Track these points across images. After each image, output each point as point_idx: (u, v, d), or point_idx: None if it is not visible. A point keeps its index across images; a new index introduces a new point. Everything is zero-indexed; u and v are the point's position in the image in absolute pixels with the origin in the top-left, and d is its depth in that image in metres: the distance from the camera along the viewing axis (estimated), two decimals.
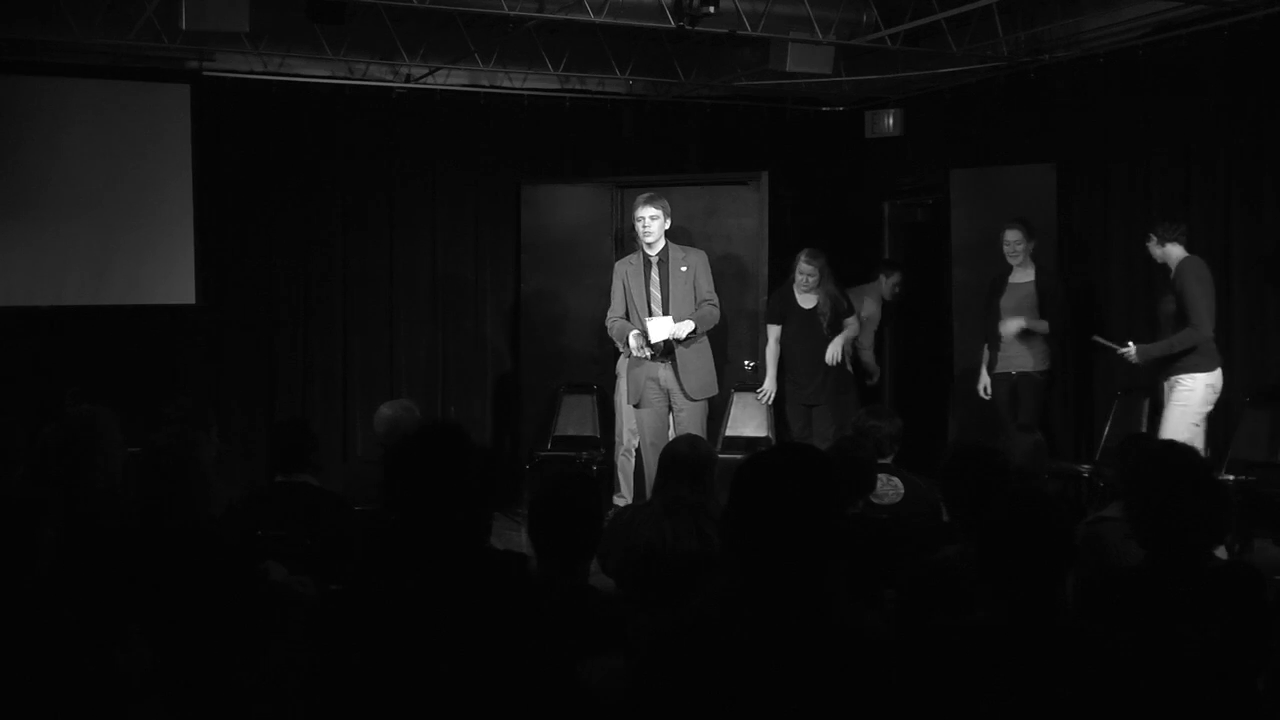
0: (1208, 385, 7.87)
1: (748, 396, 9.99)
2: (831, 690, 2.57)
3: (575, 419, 10.49)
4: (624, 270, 8.66)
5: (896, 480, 5.77)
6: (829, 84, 10.29)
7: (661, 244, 8.53)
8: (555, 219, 10.71)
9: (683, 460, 5.23)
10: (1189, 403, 7.86)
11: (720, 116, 11.33)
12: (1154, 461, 3.69)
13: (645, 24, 8.55)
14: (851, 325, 9.63)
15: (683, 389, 8.41)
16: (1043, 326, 8.87)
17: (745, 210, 10.28)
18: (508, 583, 2.90)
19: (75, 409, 5.37)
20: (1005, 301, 9.03)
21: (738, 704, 2.57)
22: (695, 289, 8.49)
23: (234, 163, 10.10)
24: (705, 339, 8.58)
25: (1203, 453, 7.30)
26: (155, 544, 3.35)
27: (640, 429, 8.67)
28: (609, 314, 8.70)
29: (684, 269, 8.49)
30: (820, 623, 2.63)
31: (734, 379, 10.02)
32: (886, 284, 10.78)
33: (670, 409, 8.49)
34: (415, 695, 2.78)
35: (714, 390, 8.71)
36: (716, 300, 8.58)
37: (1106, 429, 9.06)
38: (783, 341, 9.43)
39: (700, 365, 8.50)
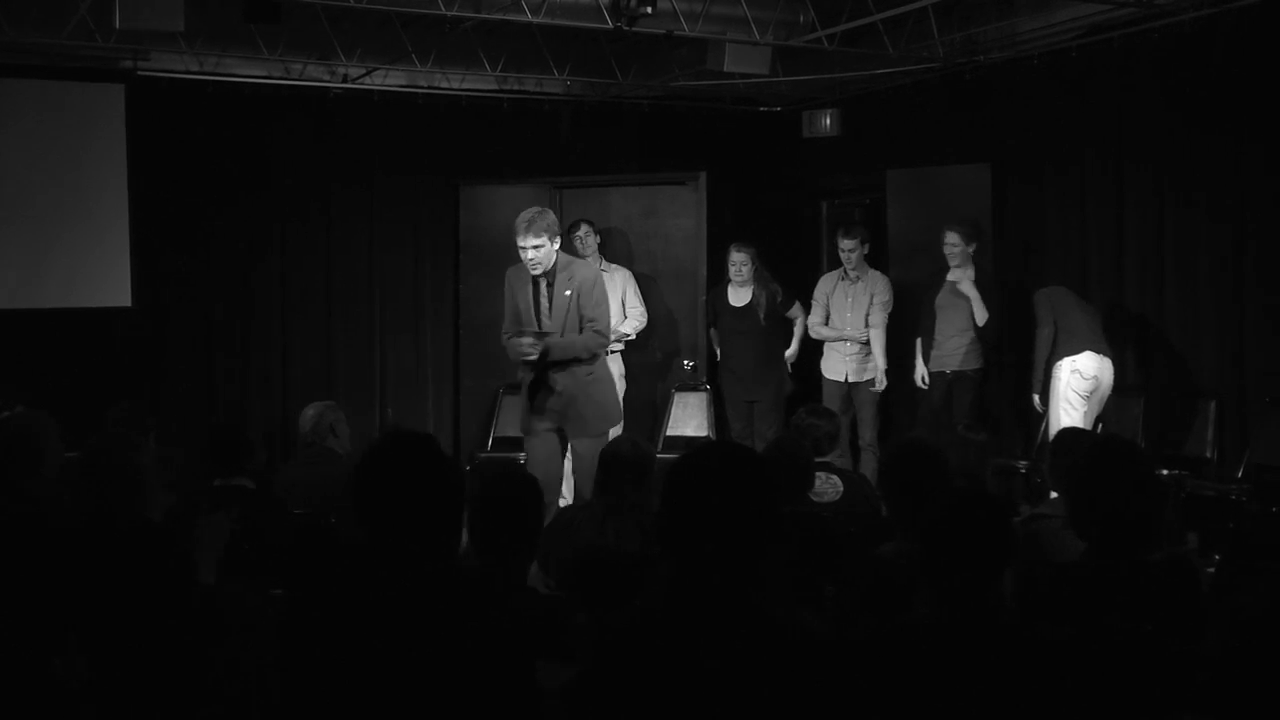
0: (1072, 371, 8.24)
1: (688, 396, 10.04)
2: (771, 689, 2.57)
3: (515, 420, 9.81)
4: (511, 279, 7.58)
5: (836, 478, 5.78)
6: (766, 84, 10.31)
7: (551, 263, 7.34)
8: (494, 220, 10.64)
9: (625, 461, 5.26)
10: (1056, 389, 8.29)
11: (658, 117, 11.30)
12: (1094, 457, 3.72)
13: (583, 24, 8.51)
14: (802, 321, 9.65)
15: (574, 424, 7.43)
16: (979, 309, 8.94)
17: (683, 210, 10.39)
18: (475, 603, 2.87)
19: (12, 413, 5.30)
20: (941, 300, 9.12)
21: (678, 705, 2.57)
22: (579, 311, 7.35)
23: (170, 164, 9.97)
24: (602, 367, 7.65)
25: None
26: (94, 550, 3.35)
27: (529, 456, 7.65)
28: (504, 327, 7.64)
29: (567, 292, 7.35)
30: (758, 622, 2.63)
31: (674, 379, 10.04)
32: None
33: (563, 442, 7.54)
34: (370, 712, 2.76)
35: (616, 420, 7.76)
36: (602, 325, 7.42)
37: (1042, 428, 8.96)
38: (720, 338, 9.32)
39: (592, 396, 7.46)
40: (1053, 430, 7.99)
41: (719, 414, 9.91)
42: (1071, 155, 9.49)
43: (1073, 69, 9.20)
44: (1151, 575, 3.50)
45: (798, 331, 9.77)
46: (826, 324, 9.72)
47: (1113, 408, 8.76)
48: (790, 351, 9.69)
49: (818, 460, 5.80)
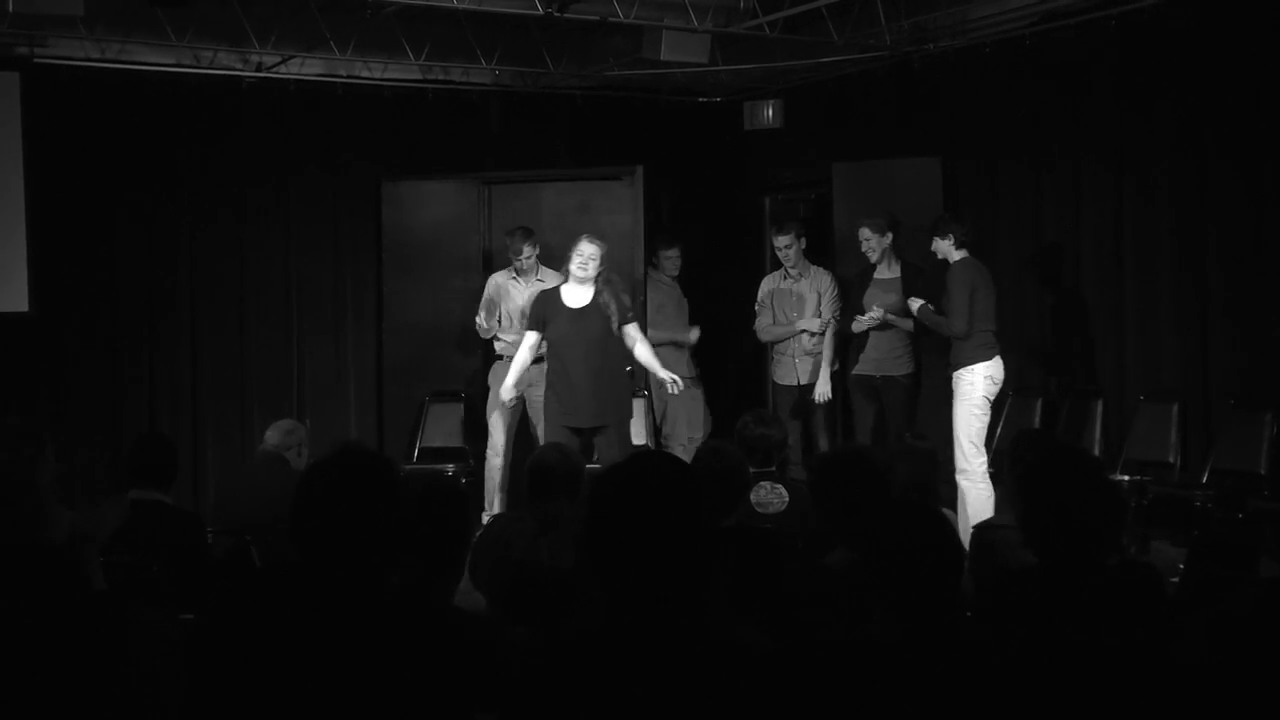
0: (986, 376, 8.35)
1: None
2: (712, 711, 2.56)
3: (443, 429, 10.54)
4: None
5: (781, 488, 5.82)
6: (705, 74, 10.31)
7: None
8: (418, 217, 10.71)
9: (556, 472, 5.27)
10: (971, 395, 8.34)
11: (592, 108, 11.28)
12: (1046, 465, 3.74)
13: (511, 10, 8.53)
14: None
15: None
16: (906, 324, 8.98)
17: (620, 207, 10.36)
18: (400, 629, 2.87)
19: None
20: (867, 299, 9.15)
21: None
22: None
23: (70, 158, 9.85)
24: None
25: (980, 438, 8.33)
26: None
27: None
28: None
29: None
30: (696, 640, 2.62)
31: None
32: (666, 259, 10.56)
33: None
34: None
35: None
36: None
37: (999, 431, 9.13)
38: (549, 348, 8.44)
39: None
40: (962, 437, 8.28)
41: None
42: (1026, 148, 9.58)
43: (1027, 58, 9.29)
44: (1110, 581, 3.52)
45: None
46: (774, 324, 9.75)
47: (1070, 410, 8.88)
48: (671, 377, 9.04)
49: (763, 470, 5.85)
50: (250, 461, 7.06)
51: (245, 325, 10.69)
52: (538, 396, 8.65)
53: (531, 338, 8.44)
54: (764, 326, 9.79)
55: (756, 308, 9.85)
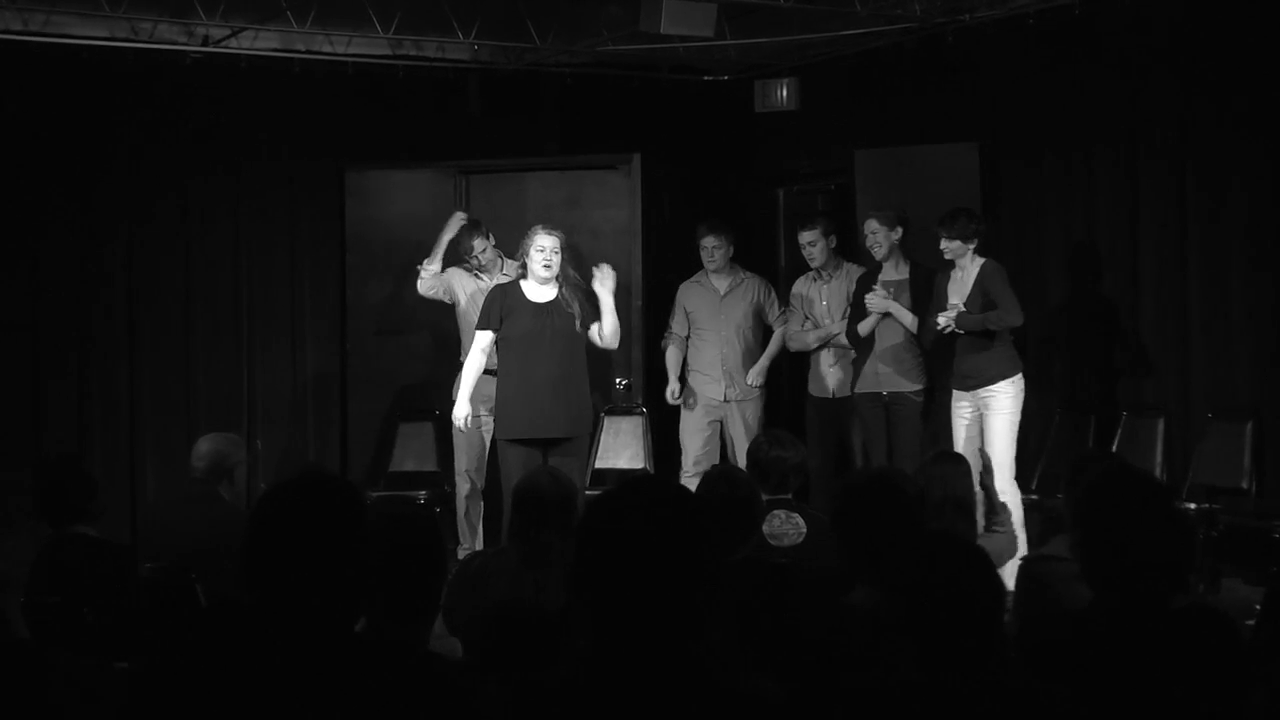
0: (1020, 389, 8.44)
1: (620, 421, 10.07)
2: None
3: (414, 452, 10.50)
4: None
5: (798, 518, 5.83)
6: (711, 49, 10.31)
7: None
8: (388, 212, 10.73)
9: (546, 498, 5.25)
10: (1011, 411, 8.42)
11: (583, 88, 11.22)
12: (1105, 490, 3.71)
13: None
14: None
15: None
16: (908, 319, 8.97)
17: (614, 199, 10.48)
18: (370, 681, 2.84)
19: None
20: (870, 302, 9.12)
21: None
22: None
23: None
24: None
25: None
26: None
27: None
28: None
29: None
30: (700, 688, 2.61)
31: (604, 400, 10.10)
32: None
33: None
34: None
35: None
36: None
37: (1044, 454, 9.14)
38: (504, 349, 8.44)
39: None
40: (1004, 458, 8.19)
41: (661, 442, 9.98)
42: (1075, 133, 9.52)
43: (1076, 30, 9.23)
44: (1178, 627, 3.48)
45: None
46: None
47: (1128, 429, 8.90)
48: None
49: (779, 497, 5.87)
50: (181, 490, 6.91)
51: (190, 333, 10.65)
52: None
53: (484, 339, 8.44)
54: (791, 333, 9.82)
55: (786, 310, 9.93)
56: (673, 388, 10.00)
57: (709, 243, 9.86)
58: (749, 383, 9.85)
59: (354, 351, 10.83)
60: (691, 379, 10.00)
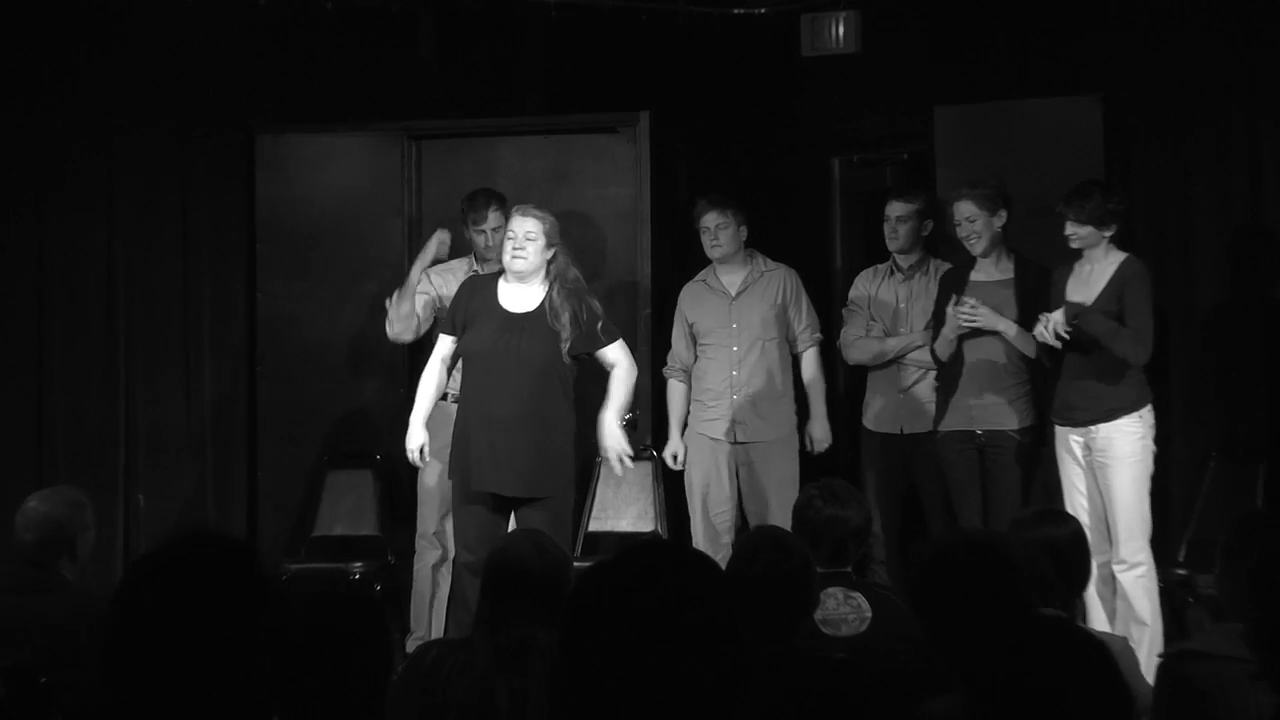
0: (1150, 426, 8.25)
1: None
2: None
3: (347, 510, 10.26)
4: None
5: (860, 598, 5.87)
6: None
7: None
8: (312, 188, 10.51)
9: (528, 575, 5.28)
10: (1143, 455, 8.19)
11: (574, 25, 10.84)
12: None
13: None
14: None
15: None
16: (1011, 330, 8.66)
17: (614, 172, 10.34)
18: None
19: None
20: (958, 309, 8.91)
21: None
22: None
23: None
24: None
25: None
26: None
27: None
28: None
29: None
30: None
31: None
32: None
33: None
34: None
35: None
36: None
37: (1195, 514, 8.91)
38: (463, 368, 8.41)
39: None
40: (1135, 514, 8.11)
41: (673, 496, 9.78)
42: (1235, 85, 9.19)
43: None
44: None
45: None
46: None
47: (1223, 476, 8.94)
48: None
49: (836, 570, 5.89)
50: (4, 573, 6.70)
51: (45, 355, 10.53)
52: None
53: (444, 345, 8.36)
54: (851, 340, 9.51)
55: (844, 312, 9.64)
56: (674, 449, 9.52)
57: (709, 221, 9.40)
58: (814, 437, 9.46)
59: (267, 375, 10.58)
60: (692, 412, 9.62)
